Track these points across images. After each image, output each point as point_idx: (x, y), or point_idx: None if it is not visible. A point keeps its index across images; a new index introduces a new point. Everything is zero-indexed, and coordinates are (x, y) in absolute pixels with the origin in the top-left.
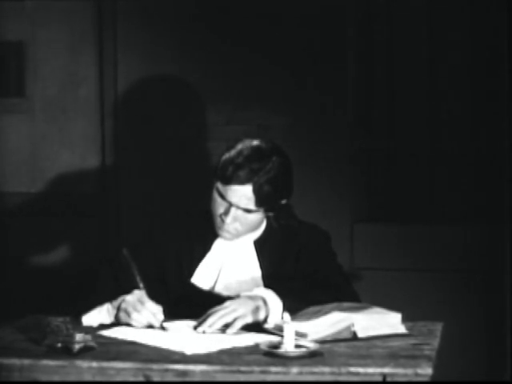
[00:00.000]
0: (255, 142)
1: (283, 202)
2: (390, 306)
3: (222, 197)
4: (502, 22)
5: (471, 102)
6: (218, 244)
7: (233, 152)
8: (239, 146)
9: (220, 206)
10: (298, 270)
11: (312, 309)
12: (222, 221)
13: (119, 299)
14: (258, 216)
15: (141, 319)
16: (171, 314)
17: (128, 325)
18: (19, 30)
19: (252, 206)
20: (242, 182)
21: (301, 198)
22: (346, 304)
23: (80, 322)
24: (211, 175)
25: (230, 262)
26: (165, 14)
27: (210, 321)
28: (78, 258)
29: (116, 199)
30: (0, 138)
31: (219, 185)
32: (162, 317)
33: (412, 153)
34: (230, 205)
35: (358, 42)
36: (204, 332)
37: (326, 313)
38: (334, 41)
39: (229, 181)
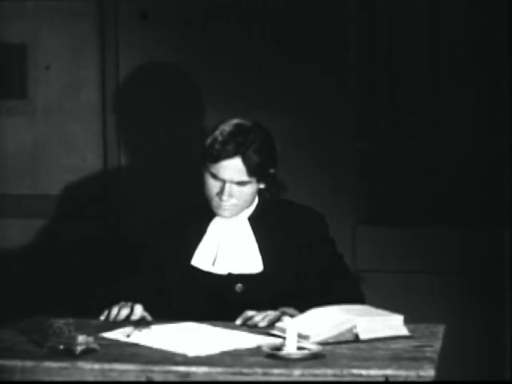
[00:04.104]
0: (235, 120)
1: (271, 170)
2: (392, 308)
3: (215, 176)
4: (503, 23)
5: (473, 105)
6: (213, 226)
7: (216, 132)
8: (221, 126)
9: (214, 187)
10: (296, 247)
11: (314, 311)
12: (220, 199)
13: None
14: (251, 188)
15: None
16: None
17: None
18: (21, 32)
19: (245, 178)
20: (231, 156)
21: (303, 200)
22: (348, 306)
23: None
24: (200, 162)
25: (227, 240)
26: (167, 18)
27: (257, 318)
28: (79, 261)
29: (118, 202)
30: (2, 140)
31: (210, 165)
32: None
33: (414, 155)
34: (224, 182)
35: (360, 45)
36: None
37: (328, 315)
38: (336, 43)
39: (218, 158)
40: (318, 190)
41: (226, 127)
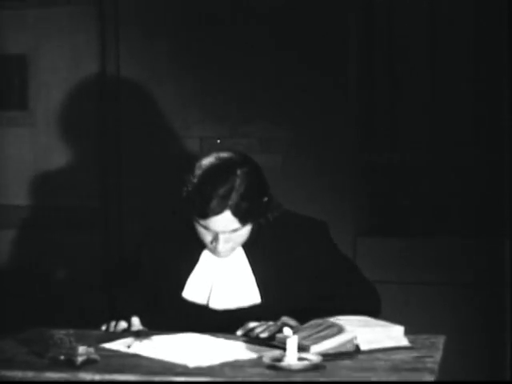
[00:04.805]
0: (211, 162)
1: (265, 199)
2: (393, 318)
3: (206, 228)
4: (503, 29)
5: (473, 116)
6: (206, 254)
7: (197, 185)
8: (198, 174)
9: (207, 235)
10: (298, 269)
11: (315, 322)
12: (215, 247)
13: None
14: (247, 228)
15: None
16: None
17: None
18: (22, 43)
19: (238, 225)
20: (219, 213)
21: (303, 211)
22: (348, 317)
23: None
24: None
25: (221, 274)
26: (167, 28)
27: (258, 329)
28: (78, 271)
29: (117, 213)
30: (3, 151)
31: (198, 219)
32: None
33: (414, 166)
34: (217, 233)
35: (360, 57)
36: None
37: (329, 326)
38: (336, 54)
39: (205, 216)
40: (317, 201)
41: (205, 176)
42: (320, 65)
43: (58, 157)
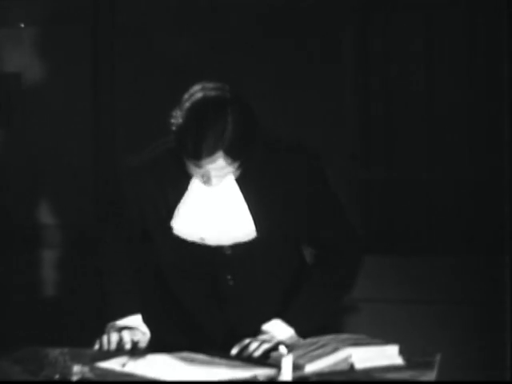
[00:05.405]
0: (200, 101)
1: (256, 137)
2: (388, 337)
3: (198, 167)
4: (501, 52)
5: (469, 132)
6: (195, 184)
7: (187, 126)
8: (188, 115)
9: (198, 173)
10: (290, 201)
11: (309, 340)
12: (208, 182)
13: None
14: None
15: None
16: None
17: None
18: (15, 61)
19: (230, 163)
20: (212, 154)
21: None
22: (343, 336)
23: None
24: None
25: (213, 203)
26: (162, 47)
27: (252, 347)
28: (74, 291)
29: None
30: None
31: (189, 159)
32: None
33: (410, 184)
34: (209, 171)
35: (356, 74)
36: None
37: (324, 345)
38: (332, 72)
39: (198, 158)
40: None
41: (196, 118)
42: (317, 84)
43: (50, 175)
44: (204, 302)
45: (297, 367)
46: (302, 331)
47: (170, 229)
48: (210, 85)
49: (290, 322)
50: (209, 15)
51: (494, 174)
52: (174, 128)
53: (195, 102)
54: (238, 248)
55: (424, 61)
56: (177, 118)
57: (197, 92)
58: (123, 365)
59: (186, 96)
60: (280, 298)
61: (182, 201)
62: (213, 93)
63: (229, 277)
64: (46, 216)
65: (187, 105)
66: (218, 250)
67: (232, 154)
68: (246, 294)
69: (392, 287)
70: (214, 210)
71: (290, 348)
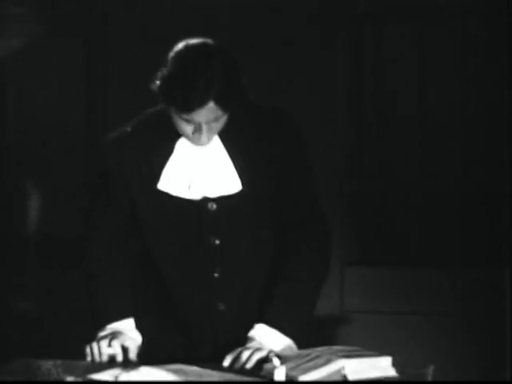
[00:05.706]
0: (186, 53)
1: (244, 86)
2: (381, 349)
3: (188, 121)
4: (494, 64)
5: (463, 143)
6: (180, 145)
7: (175, 78)
8: (175, 66)
9: (188, 129)
10: (270, 160)
11: (302, 351)
12: (198, 138)
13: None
14: (228, 114)
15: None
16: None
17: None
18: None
19: (221, 113)
20: (203, 103)
21: None
22: (336, 347)
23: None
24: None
25: (199, 162)
26: (156, 56)
27: (244, 356)
28: (67, 306)
29: None
30: None
31: (179, 112)
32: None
33: (402, 195)
34: (200, 123)
35: (349, 85)
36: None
37: (316, 357)
38: (325, 85)
39: (189, 109)
40: None
41: (184, 68)
42: (309, 95)
43: (41, 193)
44: (192, 291)
45: (289, 379)
46: (289, 332)
47: (154, 191)
48: (194, 39)
49: (274, 325)
50: (205, 17)
51: (491, 183)
52: (160, 81)
53: (180, 51)
54: (223, 203)
55: (417, 73)
56: (162, 71)
57: (181, 45)
58: (116, 377)
59: (171, 55)
60: (261, 289)
61: (167, 163)
62: (198, 43)
63: (216, 272)
64: (33, 222)
65: (172, 55)
66: (203, 207)
67: (222, 103)
68: (233, 286)
69: (385, 299)
70: (200, 166)
71: (283, 360)
